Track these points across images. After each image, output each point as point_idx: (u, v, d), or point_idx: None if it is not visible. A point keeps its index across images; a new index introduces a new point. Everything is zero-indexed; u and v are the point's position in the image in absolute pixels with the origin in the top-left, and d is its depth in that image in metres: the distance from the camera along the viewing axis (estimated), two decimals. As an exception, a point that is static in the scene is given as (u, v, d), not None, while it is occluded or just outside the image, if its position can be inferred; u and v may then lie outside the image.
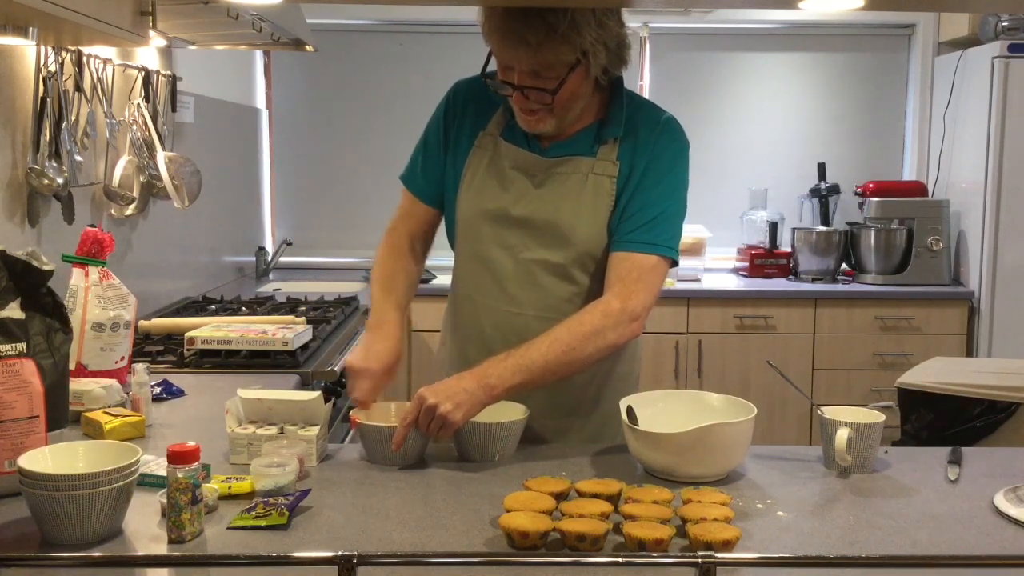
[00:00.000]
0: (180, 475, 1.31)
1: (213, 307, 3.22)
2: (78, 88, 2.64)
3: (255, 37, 2.96)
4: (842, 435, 1.59)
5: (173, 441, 1.38)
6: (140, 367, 1.92)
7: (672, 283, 4.12)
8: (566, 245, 1.81)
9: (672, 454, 1.57)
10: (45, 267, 1.55)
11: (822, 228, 4.48)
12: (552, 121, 1.77)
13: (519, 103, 1.76)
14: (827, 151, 4.75)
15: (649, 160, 1.80)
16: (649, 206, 1.79)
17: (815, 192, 4.60)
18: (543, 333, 1.71)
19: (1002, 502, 1.47)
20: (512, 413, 1.72)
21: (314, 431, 1.65)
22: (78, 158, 2.60)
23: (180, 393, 2.15)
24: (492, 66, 1.80)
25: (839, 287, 4.32)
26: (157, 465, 1.54)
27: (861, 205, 4.50)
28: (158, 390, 2.11)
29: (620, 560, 1.19)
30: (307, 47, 3.32)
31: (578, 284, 1.84)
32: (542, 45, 1.66)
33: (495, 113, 1.87)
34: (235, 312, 3.12)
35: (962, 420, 2.78)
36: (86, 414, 1.84)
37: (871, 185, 4.48)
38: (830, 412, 1.66)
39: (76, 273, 2.11)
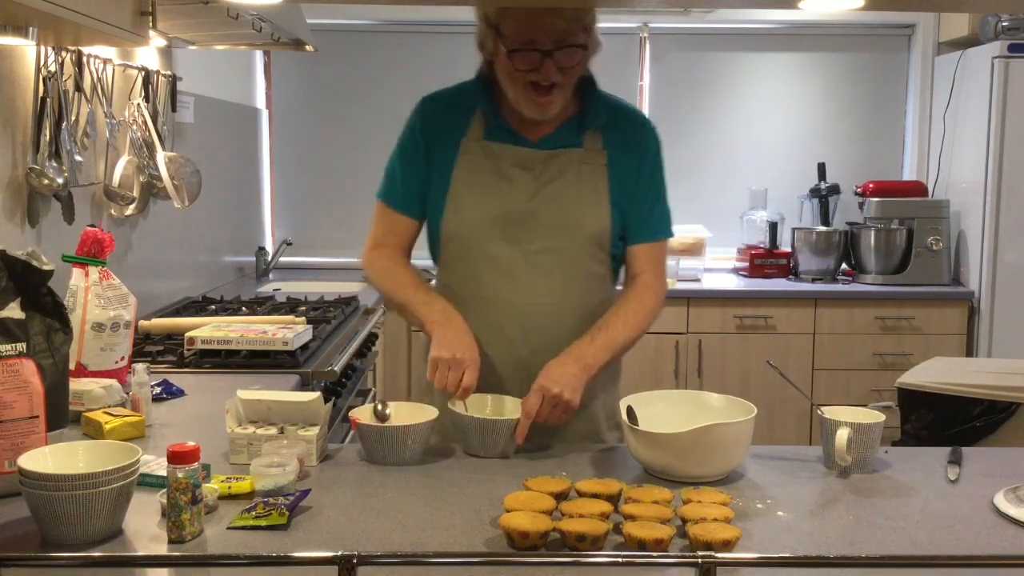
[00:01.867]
0: (180, 475, 1.31)
1: (213, 307, 3.22)
2: (78, 88, 2.64)
3: (255, 37, 2.96)
4: (842, 435, 1.59)
5: (173, 441, 1.38)
6: (140, 367, 1.92)
7: (673, 283, 4.12)
8: (573, 232, 1.90)
9: (672, 454, 1.57)
10: (45, 267, 1.55)
11: (822, 228, 4.48)
12: (560, 100, 1.86)
13: (548, 75, 1.81)
14: (827, 151, 4.75)
15: (642, 156, 1.95)
16: (654, 200, 1.96)
17: (815, 192, 4.60)
18: (612, 313, 1.88)
19: (1002, 502, 1.47)
20: (518, 409, 1.73)
21: (314, 431, 1.65)
22: (78, 158, 2.60)
23: (180, 393, 2.15)
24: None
25: (839, 287, 4.32)
26: (157, 465, 1.54)
27: (861, 205, 4.50)
28: (158, 390, 2.11)
29: (620, 560, 1.19)
30: (307, 47, 3.33)
31: (587, 268, 1.92)
32: (567, 8, 1.78)
33: (471, 119, 1.92)
34: (235, 312, 3.12)
35: (962, 420, 2.78)
36: (86, 414, 1.83)
37: (871, 185, 4.48)
38: (830, 412, 1.66)
39: (76, 273, 2.11)
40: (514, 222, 1.88)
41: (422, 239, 2.01)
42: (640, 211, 1.94)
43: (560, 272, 1.90)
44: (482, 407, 1.80)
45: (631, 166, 1.93)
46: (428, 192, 1.95)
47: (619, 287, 2.00)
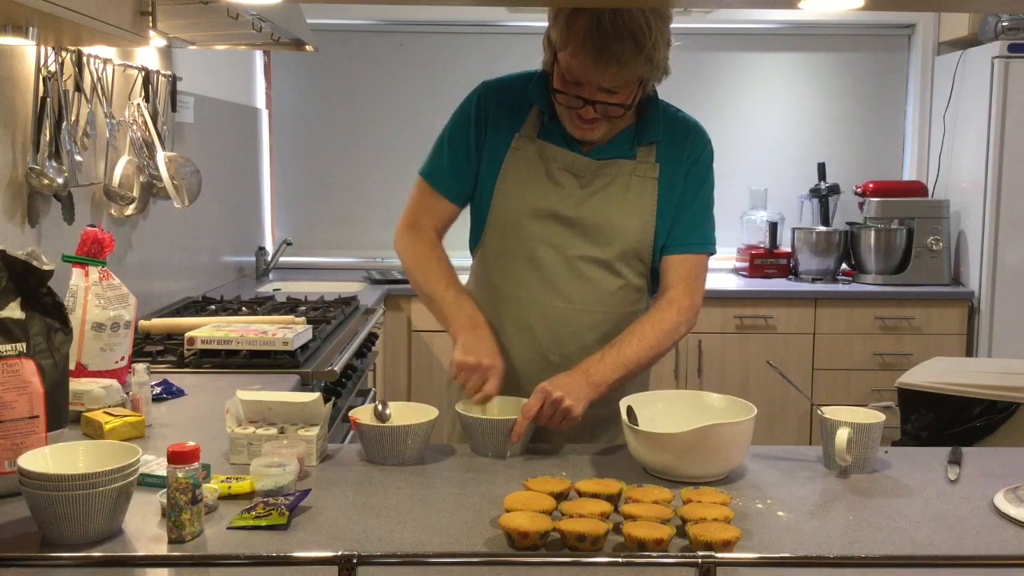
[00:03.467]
0: (180, 475, 1.31)
1: (213, 307, 3.22)
2: (78, 88, 2.64)
3: (255, 37, 2.96)
4: (842, 435, 1.59)
5: (173, 441, 1.38)
6: (140, 367, 1.92)
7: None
8: (613, 243, 1.89)
9: (672, 454, 1.57)
10: (45, 267, 1.55)
11: (822, 228, 4.48)
12: (603, 129, 1.84)
13: (585, 115, 1.80)
14: (827, 151, 4.75)
15: (690, 166, 1.92)
16: (698, 211, 1.93)
17: (815, 192, 4.60)
18: (627, 330, 1.83)
19: (1002, 502, 1.47)
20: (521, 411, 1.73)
21: (314, 431, 1.65)
22: (78, 158, 2.60)
23: (180, 393, 2.15)
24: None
25: (839, 287, 4.32)
26: (157, 465, 1.54)
27: (861, 205, 4.50)
28: (158, 390, 2.11)
29: (620, 560, 1.19)
30: (307, 47, 3.32)
31: (624, 277, 1.92)
32: (629, 63, 1.73)
33: (528, 114, 1.91)
34: (235, 312, 3.12)
35: (962, 420, 2.78)
36: (86, 414, 1.83)
37: (871, 185, 4.48)
38: (830, 412, 1.66)
39: (76, 273, 2.11)
40: (558, 226, 1.88)
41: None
42: (680, 221, 1.91)
43: (598, 281, 1.90)
44: (500, 408, 1.79)
45: (679, 177, 1.91)
46: (474, 180, 1.94)
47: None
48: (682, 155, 1.91)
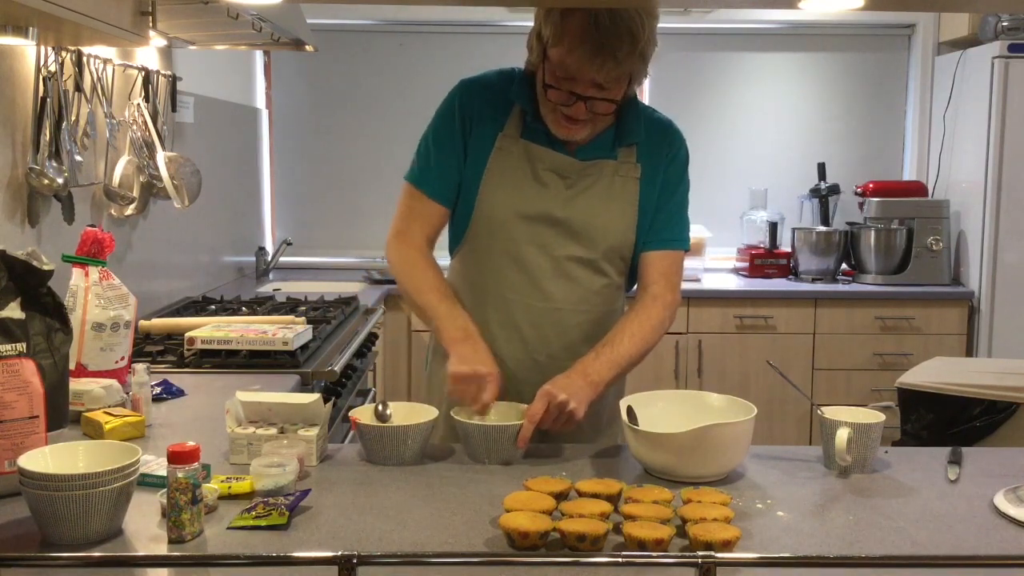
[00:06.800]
0: (180, 475, 1.30)
1: (213, 307, 3.22)
2: (78, 88, 2.64)
3: (255, 37, 2.96)
4: (842, 435, 1.59)
5: (173, 441, 1.38)
6: (140, 367, 1.92)
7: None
8: (599, 242, 1.90)
9: (672, 454, 1.57)
10: (45, 267, 1.55)
11: (822, 228, 4.48)
12: (588, 130, 1.85)
13: (576, 112, 1.79)
14: (827, 151, 4.75)
15: (667, 165, 1.94)
16: (675, 209, 1.97)
17: (815, 192, 4.60)
18: (617, 327, 1.85)
19: (1002, 502, 1.47)
20: (520, 416, 1.72)
21: (314, 431, 1.65)
22: (78, 158, 2.60)
23: (180, 393, 2.15)
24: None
25: (839, 287, 4.32)
26: (157, 465, 1.54)
27: (861, 205, 4.50)
28: (158, 390, 2.11)
29: (620, 560, 1.19)
30: (307, 47, 3.32)
31: (608, 277, 1.93)
32: (625, 60, 1.74)
33: (510, 113, 1.89)
34: (235, 312, 3.12)
35: (962, 420, 2.78)
36: (86, 414, 1.83)
37: (871, 185, 4.49)
38: (830, 412, 1.66)
39: (76, 273, 2.11)
40: (544, 226, 1.88)
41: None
42: (658, 218, 1.93)
43: (583, 280, 1.91)
44: (494, 413, 1.77)
45: (658, 176, 1.92)
46: (463, 180, 1.92)
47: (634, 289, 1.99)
48: (660, 155, 1.93)
